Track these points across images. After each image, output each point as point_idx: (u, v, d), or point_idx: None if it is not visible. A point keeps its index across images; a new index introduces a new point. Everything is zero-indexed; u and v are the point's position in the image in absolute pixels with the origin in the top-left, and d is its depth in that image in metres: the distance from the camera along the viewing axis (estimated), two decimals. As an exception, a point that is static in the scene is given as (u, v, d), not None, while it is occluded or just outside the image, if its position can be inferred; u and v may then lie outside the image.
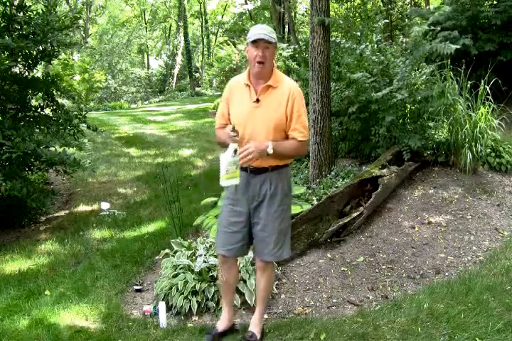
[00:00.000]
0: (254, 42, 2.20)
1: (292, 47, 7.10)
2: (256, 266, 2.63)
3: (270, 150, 2.21)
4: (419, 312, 2.71)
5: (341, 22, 7.87)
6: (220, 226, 2.53)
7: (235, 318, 2.85)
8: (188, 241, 3.58)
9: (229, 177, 2.29)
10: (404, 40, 5.09)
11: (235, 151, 2.26)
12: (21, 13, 4.59)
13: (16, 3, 4.71)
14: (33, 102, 5.15)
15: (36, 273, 3.75)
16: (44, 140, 4.54)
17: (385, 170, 4.24)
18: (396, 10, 12.07)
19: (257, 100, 2.30)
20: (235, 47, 13.92)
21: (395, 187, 4.39)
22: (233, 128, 2.23)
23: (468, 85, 4.54)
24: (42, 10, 4.64)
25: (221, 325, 2.65)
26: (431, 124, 4.87)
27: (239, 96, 2.37)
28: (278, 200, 2.37)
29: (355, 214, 3.80)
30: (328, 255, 3.56)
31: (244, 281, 2.98)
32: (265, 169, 2.34)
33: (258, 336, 2.54)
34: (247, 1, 19.69)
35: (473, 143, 4.38)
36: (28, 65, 4.82)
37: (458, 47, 4.36)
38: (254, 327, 2.57)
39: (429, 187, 4.43)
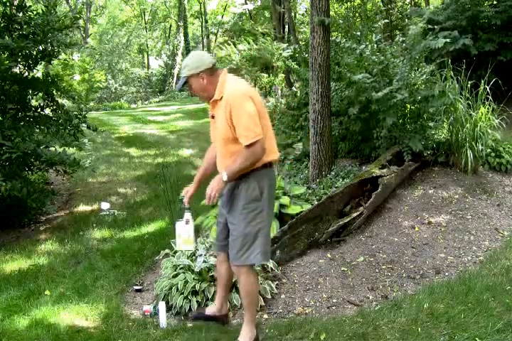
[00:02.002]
0: None
1: (292, 47, 7.12)
2: None
3: (225, 178, 2.26)
4: (419, 312, 2.71)
5: (341, 22, 7.88)
6: None
7: (236, 318, 2.86)
8: (188, 241, 3.57)
9: (184, 243, 2.60)
10: (401, 39, 5.07)
11: (187, 222, 2.58)
12: (21, 13, 4.60)
13: (15, 3, 4.71)
14: (33, 102, 5.15)
15: (36, 273, 3.75)
16: (44, 140, 4.55)
17: (385, 170, 4.24)
18: (396, 10, 12.07)
19: (213, 116, 2.38)
20: (235, 47, 13.91)
21: (395, 187, 4.39)
22: (180, 199, 2.52)
23: (469, 85, 4.54)
24: (42, 10, 4.65)
25: (209, 310, 2.74)
26: (431, 124, 4.87)
27: (209, 114, 2.50)
28: (241, 204, 2.34)
29: (355, 214, 3.80)
30: (328, 255, 3.56)
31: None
32: None
33: None
34: (247, 1, 19.68)
35: (473, 143, 4.38)
36: (28, 65, 4.82)
37: (448, 40, 4.37)
38: (242, 337, 2.50)
39: (429, 187, 4.43)
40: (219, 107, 2.31)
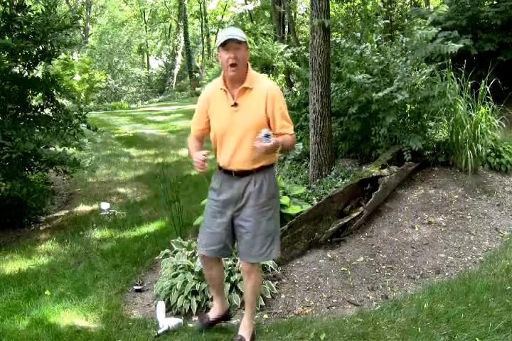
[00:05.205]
0: (224, 44, 2.15)
1: (291, 50, 7.16)
2: (241, 269, 2.60)
3: (280, 148, 2.22)
4: (419, 312, 2.71)
5: (342, 24, 7.88)
6: (203, 225, 2.51)
7: (236, 318, 2.85)
8: (188, 241, 3.58)
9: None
10: (404, 40, 5.06)
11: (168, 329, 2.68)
12: (21, 13, 4.59)
13: (15, 3, 4.71)
14: (33, 102, 5.15)
15: (36, 273, 3.75)
16: (44, 140, 4.55)
17: (385, 170, 4.24)
18: (396, 10, 12.06)
19: (235, 104, 2.26)
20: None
21: (395, 187, 4.39)
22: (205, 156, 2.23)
23: (469, 85, 4.54)
24: (42, 10, 4.64)
25: (212, 313, 2.72)
26: (431, 124, 4.87)
27: (217, 104, 2.33)
28: (262, 201, 2.33)
29: (355, 214, 3.80)
30: (328, 255, 3.55)
31: (245, 281, 2.97)
32: (250, 172, 2.33)
33: (247, 339, 2.50)
34: (247, 2, 19.69)
35: (473, 143, 4.38)
36: (28, 64, 4.82)
37: (461, 46, 4.35)
38: (243, 330, 2.52)
39: (429, 187, 4.43)
40: (250, 96, 2.24)
